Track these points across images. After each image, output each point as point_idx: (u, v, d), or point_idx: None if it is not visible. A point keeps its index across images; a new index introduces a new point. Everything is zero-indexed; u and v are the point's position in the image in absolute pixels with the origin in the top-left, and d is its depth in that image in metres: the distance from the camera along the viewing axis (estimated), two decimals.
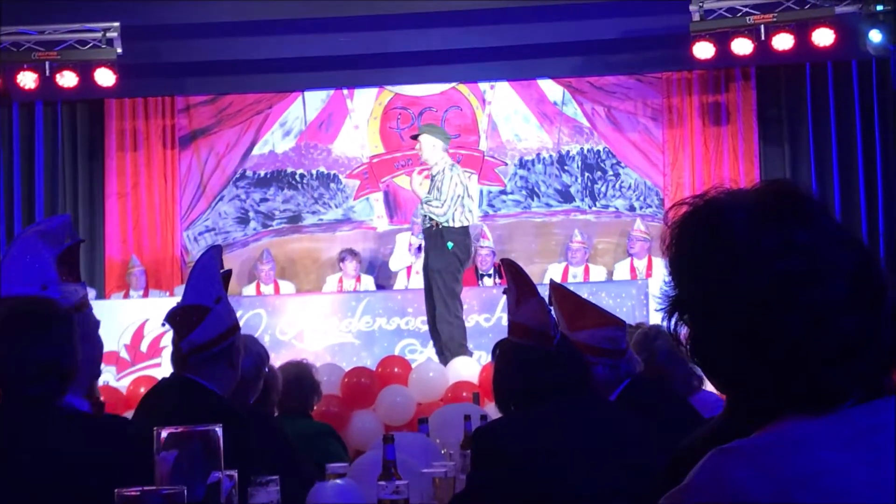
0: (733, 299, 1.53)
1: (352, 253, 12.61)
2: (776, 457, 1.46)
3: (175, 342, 4.12)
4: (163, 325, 4.16)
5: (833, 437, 1.47)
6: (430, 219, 9.54)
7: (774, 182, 1.62)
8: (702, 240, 1.59)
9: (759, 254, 1.53)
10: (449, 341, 9.52)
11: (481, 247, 11.91)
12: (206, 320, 4.06)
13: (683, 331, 1.61)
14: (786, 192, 1.59)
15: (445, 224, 9.48)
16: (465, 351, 9.48)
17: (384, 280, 12.87)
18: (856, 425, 1.48)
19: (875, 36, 11.03)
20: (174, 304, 4.19)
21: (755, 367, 1.52)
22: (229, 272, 4.38)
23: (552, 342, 3.87)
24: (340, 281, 12.46)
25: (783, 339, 1.50)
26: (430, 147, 9.71)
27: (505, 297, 4.21)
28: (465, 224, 9.54)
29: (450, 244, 9.47)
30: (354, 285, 12.33)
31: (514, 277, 4.14)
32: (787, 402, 1.52)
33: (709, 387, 5.40)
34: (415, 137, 9.97)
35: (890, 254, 11.99)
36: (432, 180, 9.65)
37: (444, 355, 9.49)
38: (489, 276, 11.97)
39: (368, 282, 12.57)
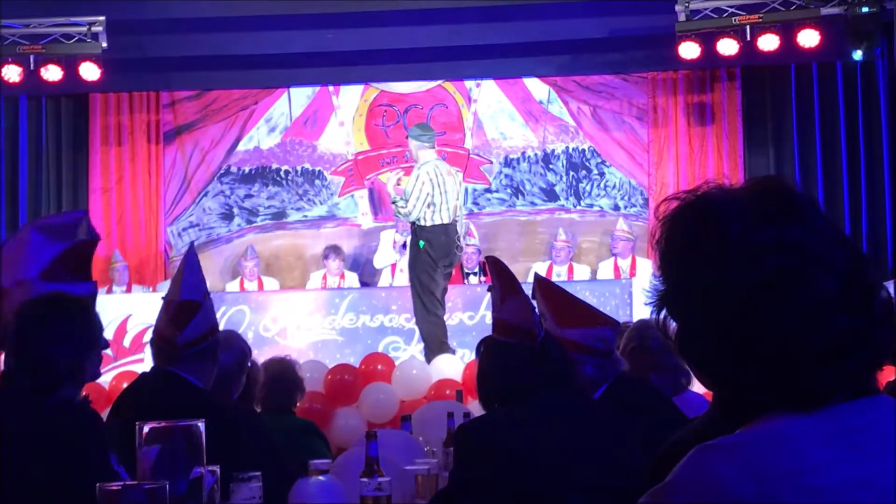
0: (724, 295, 1.52)
1: (336, 250, 12.60)
2: (760, 453, 1.45)
3: (168, 336, 4.12)
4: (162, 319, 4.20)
5: (818, 434, 1.47)
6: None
7: (766, 179, 1.61)
8: (693, 235, 1.58)
9: (752, 250, 1.52)
10: (429, 338, 9.57)
11: (467, 245, 11.90)
12: (198, 315, 4.10)
13: (672, 326, 1.61)
14: (778, 189, 1.58)
15: (419, 223, 9.51)
16: (445, 348, 9.48)
17: (368, 277, 12.87)
18: (842, 423, 1.48)
19: (858, 55, 11.17)
20: (164, 300, 4.21)
21: (744, 363, 1.52)
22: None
23: (536, 340, 3.86)
24: (324, 278, 12.45)
25: (774, 336, 1.50)
26: (411, 147, 9.83)
27: (489, 294, 4.20)
28: (441, 223, 9.52)
29: (421, 243, 9.51)
30: (338, 282, 12.32)
31: (499, 275, 4.13)
32: (775, 399, 1.51)
33: (695, 387, 5.39)
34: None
35: (874, 255, 12.02)
36: None
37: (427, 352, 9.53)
38: (474, 274, 11.96)
39: (352, 279, 12.56)
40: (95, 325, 3.62)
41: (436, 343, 9.49)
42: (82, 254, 3.95)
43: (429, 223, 9.49)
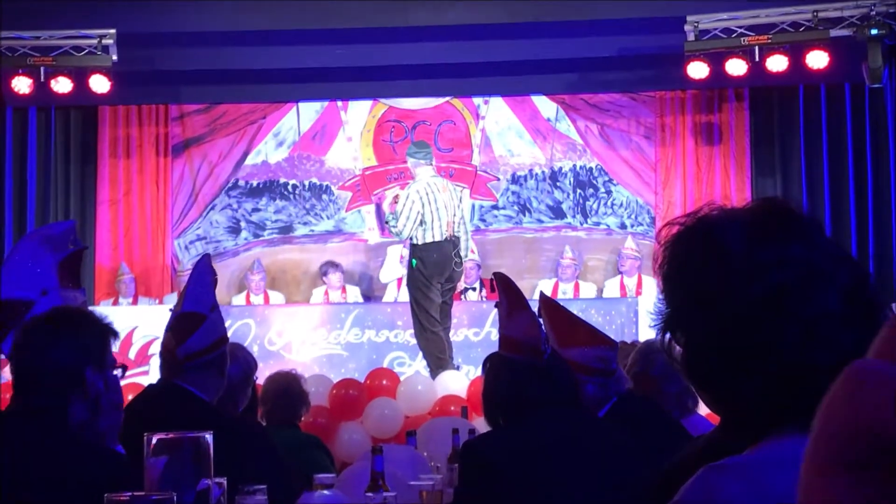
0: (728, 313, 1.53)
1: (334, 265, 12.61)
2: (768, 473, 1.46)
3: (170, 348, 4.12)
4: (167, 331, 4.19)
5: None
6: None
7: (768, 199, 1.62)
8: (696, 255, 1.59)
9: (754, 267, 1.53)
10: (426, 354, 9.61)
11: (466, 260, 11.87)
12: (201, 328, 4.09)
13: (678, 349, 1.61)
14: (781, 209, 1.59)
15: (413, 242, 9.55)
16: (443, 364, 9.47)
17: (372, 292, 12.88)
18: None
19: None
20: (171, 311, 4.22)
21: (749, 381, 1.52)
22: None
23: (542, 356, 3.87)
24: (326, 293, 12.46)
25: (778, 354, 1.50)
26: (409, 165, 9.96)
27: (495, 310, 4.21)
28: (433, 240, 9.53)
29: (413, 261, 9.54)
30: (340, 296, 12.33)
31: (506, 291, 4.14)
32: (781, 419, 1.52)
33: (702, 410, 5.38)
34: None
35: (881, 277, 12.01)
36: None
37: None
38: (473, 289, 11.94)
39: (354, 293, 12.56)
40: (91, 333, 3.38)
41: (433, 359, 9.52)
42: (75, 263, 3.99)
43: (421, 241, 9.53)
